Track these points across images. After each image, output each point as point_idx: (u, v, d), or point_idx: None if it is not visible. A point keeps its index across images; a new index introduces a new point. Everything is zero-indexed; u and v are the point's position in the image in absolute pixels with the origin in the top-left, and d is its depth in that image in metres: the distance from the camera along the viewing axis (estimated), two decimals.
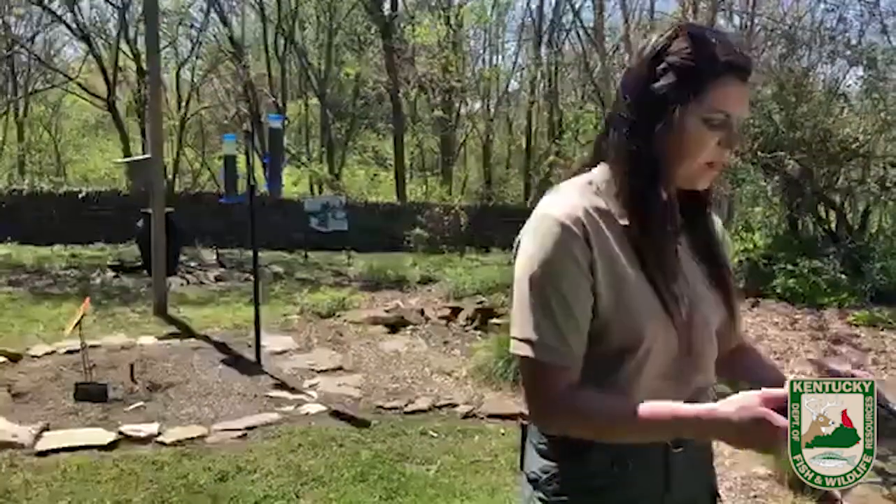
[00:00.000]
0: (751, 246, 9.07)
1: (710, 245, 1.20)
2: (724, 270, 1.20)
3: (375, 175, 23.48)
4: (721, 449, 3.88)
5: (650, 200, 1.11)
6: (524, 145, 22.15)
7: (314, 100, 23.29)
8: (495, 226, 13.26)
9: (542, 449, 1.19)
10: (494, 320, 6.51)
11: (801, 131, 7.94)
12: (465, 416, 4.39)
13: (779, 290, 7.15)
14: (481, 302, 7.12)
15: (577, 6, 17.65)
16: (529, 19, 21.50)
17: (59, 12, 17.27)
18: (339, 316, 6.99)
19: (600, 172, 1.17)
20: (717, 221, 1.26)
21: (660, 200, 1.12)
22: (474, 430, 4.13)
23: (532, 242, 1.11)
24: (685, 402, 1.06)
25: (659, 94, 1.09)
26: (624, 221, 1.12)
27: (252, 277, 9.18)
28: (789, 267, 7.43)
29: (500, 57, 28.02)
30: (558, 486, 1.17)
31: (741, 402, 0.98)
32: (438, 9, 14.73)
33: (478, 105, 23.09)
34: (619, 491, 1.15)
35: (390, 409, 4.48)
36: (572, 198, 1.13)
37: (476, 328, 6.60)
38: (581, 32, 19.49)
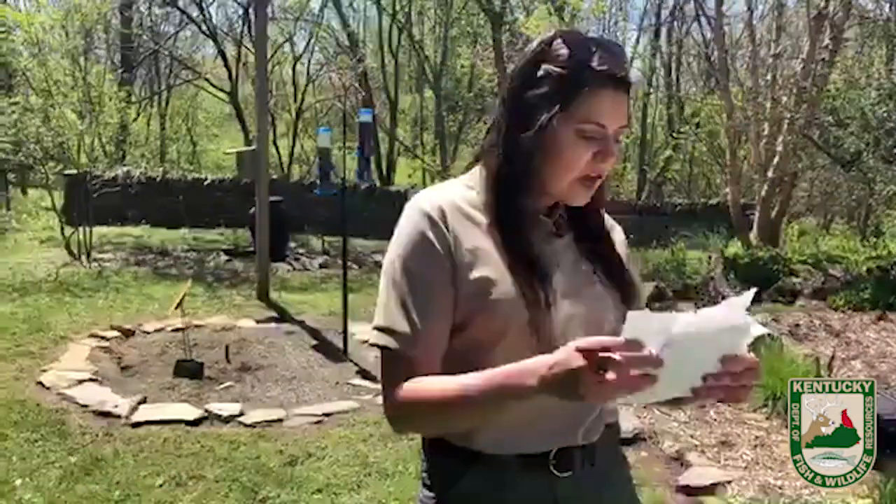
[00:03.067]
0: (883, 253, 8.24)
1: (600, 246, 1.16)
2: (617, 269, 1.15)
3: None
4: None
5: (508, 211, 1.08)
6: (639, 138, 21.36)
7: (429, 92, 23.66)
8: None
9: (424, 478, 1.16)
10: None
11: None
12: None
13: None
14: None
15: None
16: (651, 7, 20.71)
17: (192, 13, 18.50)
18: None
19: (479, 170, 1.14)
20: (617, 231, 1.23)
21: (518, 213, 1.08)
22: None
23: (396, 231, 1.10)
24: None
25: (531, 102, 1.06)
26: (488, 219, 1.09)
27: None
28: None
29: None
30: None
31: (556, 358, 0.90)
32: None
33: None
34: None
35: None
36: (444, 189, 1.13)
37: None
38: (703, 21, 18.46)
